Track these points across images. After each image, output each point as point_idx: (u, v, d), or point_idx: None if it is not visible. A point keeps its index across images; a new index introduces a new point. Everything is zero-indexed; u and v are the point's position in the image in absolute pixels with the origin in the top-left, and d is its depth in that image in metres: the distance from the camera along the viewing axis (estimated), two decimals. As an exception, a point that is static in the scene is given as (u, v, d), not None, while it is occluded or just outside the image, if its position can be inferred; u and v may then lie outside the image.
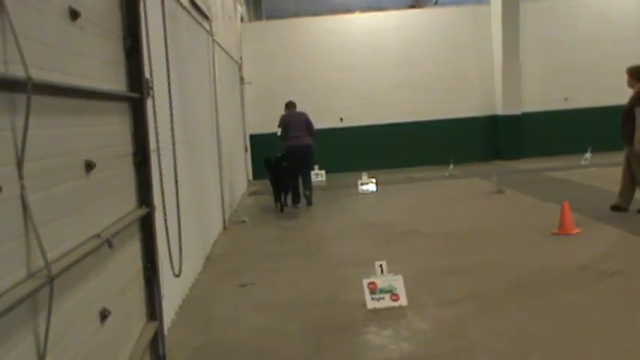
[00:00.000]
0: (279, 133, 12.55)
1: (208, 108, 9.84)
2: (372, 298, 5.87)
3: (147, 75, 4.57)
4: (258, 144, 17.78)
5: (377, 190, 13.79)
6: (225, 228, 10.49)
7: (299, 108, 13.03)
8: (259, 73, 17.84)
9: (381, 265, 5.97)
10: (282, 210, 11.97)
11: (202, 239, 8.22)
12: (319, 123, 17.07)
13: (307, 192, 12.35)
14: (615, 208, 9.48)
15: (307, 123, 12.41)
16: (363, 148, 18.06)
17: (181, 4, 7.55)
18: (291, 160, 12.09)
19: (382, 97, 18.15)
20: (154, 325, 4.57)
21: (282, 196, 12.13)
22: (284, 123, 12.46)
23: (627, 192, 9.43)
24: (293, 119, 12.47)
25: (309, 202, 12.37)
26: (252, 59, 17.85)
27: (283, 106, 13.38)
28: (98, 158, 3.52)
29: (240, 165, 15.43)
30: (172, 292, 5.78)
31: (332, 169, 16.79)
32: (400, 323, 5.49)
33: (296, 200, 12.20)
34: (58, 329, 2.77)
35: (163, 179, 4.92)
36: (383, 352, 4.92)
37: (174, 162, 5.34)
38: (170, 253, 5.09)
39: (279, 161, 12.21)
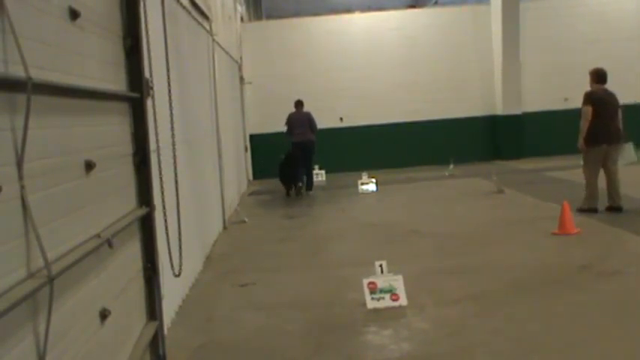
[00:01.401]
0: (285, 130, 14.48)
1: (208, 108, 9.84)
2: (372, 298, 5.87)
3: (147, 75, 4.57)
4: (258, 144, 17.80)
5: (377, 190, 13.79)
6: (225, 228, 10.49)
7: (306, 108, 14.67)
8: (259, 73, 17.85)
9: (381, 265, 5.97)
10: (288, 194, 14.05)
11: (202, 239, 8.22)
12: (319, 123, 17.15)
13: (307, 178, 14.38)
14: (610, 208, 9.51)
15: (310, 122, 14.30)
16: (363, 148, 18.06)
17: (181, 4, 7.56)
18: (295, 152, 14.01)
19: (382, 97, 18.15)
20: (154, 325, 4.57)
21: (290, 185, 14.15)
22: (289, 121, 14.42)
23: (613, 190, 9.50)
24: (297, 118, 14.37)
25: (309, 188, 14.39)
26: (252, 59, 17.85)
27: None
28: (98, 158, 3.52)
29: (240, 165, 15.43)
30: (172, 292, 5.78)
31: (332, 169, 16.80)
32: (400, 323, 5.49)
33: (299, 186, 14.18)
34: (58, 329, 2.77)
35: (163, 179, 4.92)
36: (383, 352, 4.92)
37: (174, 162, 5.34)
38: (170, 253, 5.09)
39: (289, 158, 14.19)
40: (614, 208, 9.45)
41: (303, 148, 14.08)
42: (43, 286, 2.51)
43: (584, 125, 9.42)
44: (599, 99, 9.48)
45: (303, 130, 14.15)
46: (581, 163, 9.69)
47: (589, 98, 9.50)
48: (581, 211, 9.39)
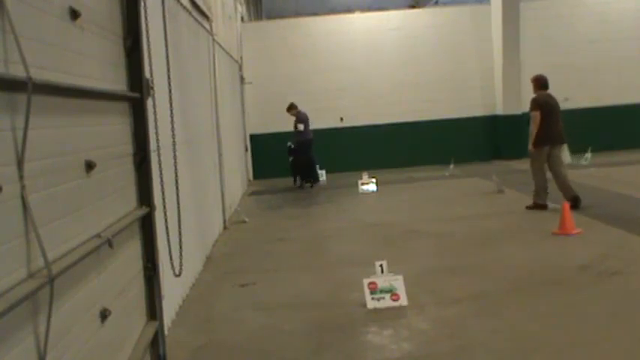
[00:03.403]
0: (300, 128, 15.19)
1: (208, 108, 9.84)
2: (373, 298, 5.87)
3: (147, 75, 4.57)
4: (258, 144, 17.79)
5: (377, 190, 13.79)
6: (225, 228, 10.49)
7: (301, 107, 15.33)
8: (259, 73, 17.84)
9: (381, 265, 5.97)
10: (302, 186, 15.25)
11: (202, 239, 8.21)
12: (319, 123, 17.16)
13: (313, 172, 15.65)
14: (574, 200, 9.73)
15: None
16: (363, 148, 18.06)
17: (181, 4, 7.56)
18: (308, 149, 15.25)
19: (382, 97, 18.15)
20: (154, 324, 4.56)
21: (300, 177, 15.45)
22: (304, 120, 15.32)
23: (563, 187, 10.01)
24: (306, 117, 15.42)
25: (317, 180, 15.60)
26: (252, 59, 17.85)
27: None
28: (98, 158, 3.52)
29: (241, 165, 15.43)
30: (172, 292, 5.78)
31: (332, 169, 16.80)
32: (400, 323, 5.49)
33: (316, 180, 15.51)
34: (58, 329, 2.77)
35: (163, 179, 4.92)
36: (383, 352, 4.92)
37: (175, 162, 5.34)
38: (170, 252, 5.09)
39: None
40: (575, 199, 9.73)
41: (311, 144, 15.32)
42: (43, 286, 2.51)
43: (533, 129, 10.10)
44: (545, 104, 10.13)
45: (309, 127, 15.44)
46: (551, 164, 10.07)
47: (536, 104, 10.19)
48: (531, 208, 10.03)
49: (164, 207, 4.95)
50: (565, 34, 18.40)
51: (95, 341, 3.36)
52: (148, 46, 4.63)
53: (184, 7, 7.77)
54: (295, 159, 15.41)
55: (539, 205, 10.03)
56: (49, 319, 2.56)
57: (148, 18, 4.74)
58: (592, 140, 16.74)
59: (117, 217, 3.89)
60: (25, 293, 2.38)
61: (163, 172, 4.90)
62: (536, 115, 10.08)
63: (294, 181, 15.56)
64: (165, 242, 4.97)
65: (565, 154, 10.40)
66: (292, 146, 15.50)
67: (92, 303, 3.36)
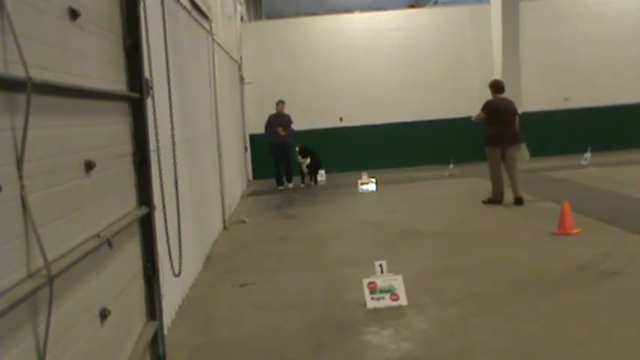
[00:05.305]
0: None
1: (208, 108, 9.83)
2: (372, 298, 5.87)
3: (147, 75, 4.57)
4: (258, 144, 17.79)
5: (377, 189, 13.79)
6: (225, 228, 10.49)
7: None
8: (259, 73, 17.84)
9: (380, 265, 5.97)
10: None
11: (202, 239, 8.21)
12: (319, 123, 17.14)
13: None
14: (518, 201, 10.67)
15: None
16: (363, 148, 18.05)
17: (181, 4, 7.56)
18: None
19: (382, 97, 18.14)
20: (154, 324, 4.56)
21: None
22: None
23: (512, 185, 10.79)
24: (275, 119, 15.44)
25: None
26: (252, 59, 17.84)
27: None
28: (98, 158, 3.52)
29: (241, 165, 15.43)
30: (172, 292, 5.78)
31: (332, 169, 16.80)
32: (400, 323, 5.49)
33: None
34: (58, 329, 2.77)
35: (163, 179, 4.92)
36: (383, 352, 4.92)
37: (174, 162, 5.34)
38: (170, 252, 5.09)
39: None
40: (517, 200, 10.61)
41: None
42: (43, 286, 2.51)
43: (476, 117, 11.34)
44: (494, 106, 10.93)
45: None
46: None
47: (486, 106, 11.10)
48: (486, 202, 10.88)
49: (163, 207, 4.95)
50: (565, 34, 18.40)
51: (95, 341, 3.36)
52: (148, 46, 4.64)
53: (184, 7, 7.77)
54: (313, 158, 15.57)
55: (494, 200, 10.86)
56: (49, 319, 2.56)
57: (148, 18, 4.74)
58: (592, 140, 16.75)
59: (116, 217, 3.89)
60: (25, 293, 2.38)
61: (163, 172, 4.90)
62: (480, 115, 11.11)
63: (314, 181, 15.73)
64: (165, 242, 4.97)
65: (524, 153, 10.87)
66: (307, 146, 15.41)
67: (92, 303, 3.36)
